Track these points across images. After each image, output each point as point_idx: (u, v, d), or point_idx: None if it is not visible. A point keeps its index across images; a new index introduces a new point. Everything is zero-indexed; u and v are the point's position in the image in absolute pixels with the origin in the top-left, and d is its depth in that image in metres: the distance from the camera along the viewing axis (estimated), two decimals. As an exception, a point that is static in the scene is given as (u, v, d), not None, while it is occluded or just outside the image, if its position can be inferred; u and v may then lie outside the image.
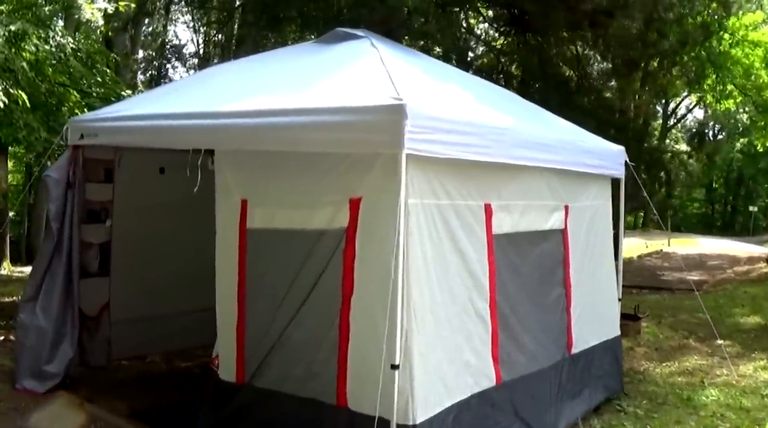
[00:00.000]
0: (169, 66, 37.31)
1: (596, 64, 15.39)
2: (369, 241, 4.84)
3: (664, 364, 9.54)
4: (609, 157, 7.69)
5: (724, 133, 46.30)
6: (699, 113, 34.38)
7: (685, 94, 24.92)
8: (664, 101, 21.90)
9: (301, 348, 5.18)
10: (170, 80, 33.03)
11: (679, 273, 20.41)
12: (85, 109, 10.16)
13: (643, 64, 14.65)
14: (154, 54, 35.53)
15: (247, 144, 5.24)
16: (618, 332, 8.03)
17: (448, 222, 5.14)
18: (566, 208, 6.81)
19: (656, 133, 25.75)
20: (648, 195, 9.37)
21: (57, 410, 6.35)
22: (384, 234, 4.68)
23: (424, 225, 4.86)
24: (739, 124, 36.86)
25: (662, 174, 17.25)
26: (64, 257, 6.68)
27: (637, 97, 15.94)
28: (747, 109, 33.19)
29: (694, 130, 26.34)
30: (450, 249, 5.16)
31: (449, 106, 5.58)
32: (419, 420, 4.68)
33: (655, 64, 14.85)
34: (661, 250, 26.87)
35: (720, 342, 10.74)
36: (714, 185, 57.07)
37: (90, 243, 7.44)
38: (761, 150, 32.09)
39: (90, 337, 7.42)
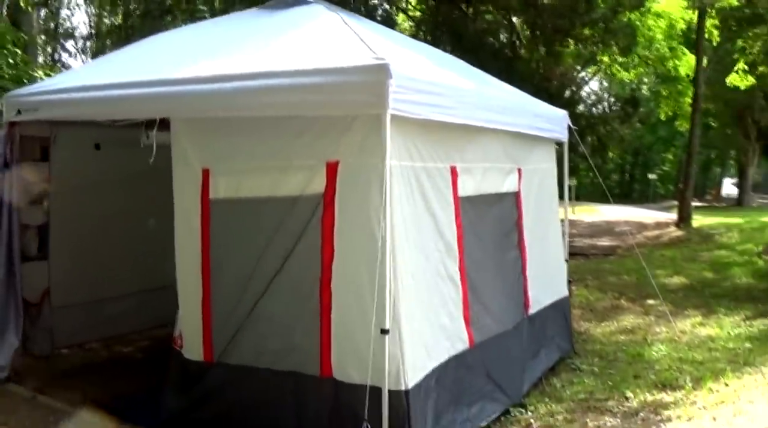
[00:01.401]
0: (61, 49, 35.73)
1: (529, 32, 15.52)
2: (349, 205, 4.71)
3: (603, 324, 9.78)
4: (555, 121, 7.78)
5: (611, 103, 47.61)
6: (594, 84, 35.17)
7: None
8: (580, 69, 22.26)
9: (276, 320, 5.00)
10: (63, 64, 31.63)
11: (589, 240, 20.98)
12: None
13: (574, 32, 14.83)
14: (44, 38, 33.96)
15: (212, 111, 4.97)
16: (566, 292, 8.17)
17: (422, 184, 5.06)
18: (519, 170, 6.86)
19: (590, 100, 26.25)
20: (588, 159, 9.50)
21: (9, 405, 5.97)
22: (365, 198, 4.58)
23: (402, 188, 4.77)
24: (636, 94, 37.94)
25: (596, 139, 17.58)
26: (3, 241, 6.29)
27: (568, 64, 16.20)
28: (646, 79, 34.40)
29: (626, 96, 27.01)
30: (423, 211, 5.09)
31: (418, 67, 5.48)
32: (411, 385, 4.60)
33: (586, 31, 15.04)
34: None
35: (651, 301, 11.13)
36: (611, 154, 58.69)
37: (28, 225, 7.02)
38: (663, 118, 33.15)
39: (32, 325, 6.98)
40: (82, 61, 31.22)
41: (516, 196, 6.82)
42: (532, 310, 6.93)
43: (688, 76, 26.26)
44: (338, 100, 4.49)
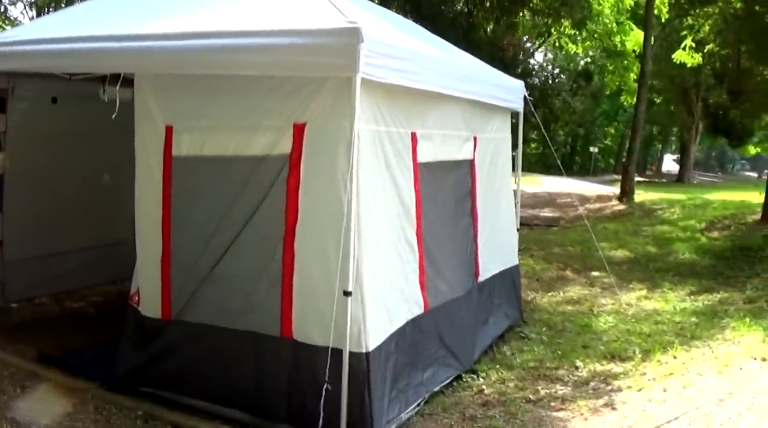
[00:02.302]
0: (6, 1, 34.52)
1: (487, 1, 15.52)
2: (315, 167, 4.72)
3: (549, 294, 9.99)
4: (513, 91, 7.87)
5: (563, 76, 48.13)
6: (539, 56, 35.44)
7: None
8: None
9: (237, 279, 5.01)
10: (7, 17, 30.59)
11: (532, 210, 21.29)
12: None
13: (530, 3, 14.92)
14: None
15: (181, 68, 4.89)
16: (516, 261, 8.32)
17: (385, 148, 5.10)
18: (475, 139, 6.94)
19: (544, 72, 26.40)
20: (543, 130, 9.61)
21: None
22: (332, 160, 4.61)
23: (369, 152, 4.82)
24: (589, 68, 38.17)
25: (547, 111, 17.74)
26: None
27: (522, 36, 16.26)
28: (591, 53, 34.77)
29: (579, 68, 27.20)
30: (386, 175, 5.14)
31: (385, 32, 5.49)
32: (371, 347, 4.68)
33: (541, 3, 15.12)
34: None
35: (596, 273, 11.39)
36: (553, 126, 59.23)
37: (-17, 176, 6.88)
38: (607, 93, 33.61)
39: (-18, 278, 6.89)
40: (28, 15, 30.23)
41: (471, 164, 6.90)
42: (482, 278, 7.06)
43: (634, 51, 26.68)
44: (309, 62, 4.47)
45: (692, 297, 9.89)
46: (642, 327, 8.08)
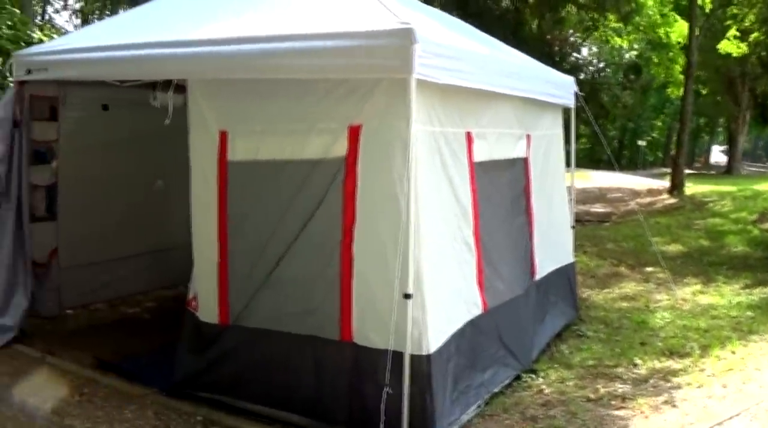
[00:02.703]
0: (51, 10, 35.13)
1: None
2: (371, 170, 4.68)
3: (604, 291, 9.82)
4: (563, 87, 7.78)
5: (609, 70, 47.60)
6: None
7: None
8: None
9: (295, 284, 4.99)
10: (53, 25, 31.17)
11: (583, 206, 21.04)
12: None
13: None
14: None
15: (234, 73, 4.91)
16: (572, 259, 8.23)
17: (440, 149, 5.06)
18: (528, 136, 6.86)
19: (591, 67, 26.17)
20: (595, 125, 9.47)
21: (19, 366, 5.96)
22: (389, 162, 4.57)
23: (425, 153, 4.76)
24: (624, 61, 37.64)
25: (598, 106, 17.53)
26: (13, 201, 6.25)
27: (569, 31, 16.10)
28: (636, 46, 34.30)
29: (625, 62, 26.82)
30: (442, 176, 5.09)
31: (437, 32, 5.44)
32: (432, 349, 4.63)
33: None
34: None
35: (650, 269, 11.21)
36: (601, 121, 58.56)
37: (36, 185, 6.95)
38: (654, 86, 33.13)
39: (40, 286, 6.95)
40: (73, 24, 30.77)
41: (525, 161, 6.82)
42: (538, 276, 6.97)
43: (678, 43, 26.27)
44: (363, 64, 4.44)
45: (747, 290, 9.69)
46: (699, 323, 7.91)
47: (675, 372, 6.32)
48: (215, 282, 5.34)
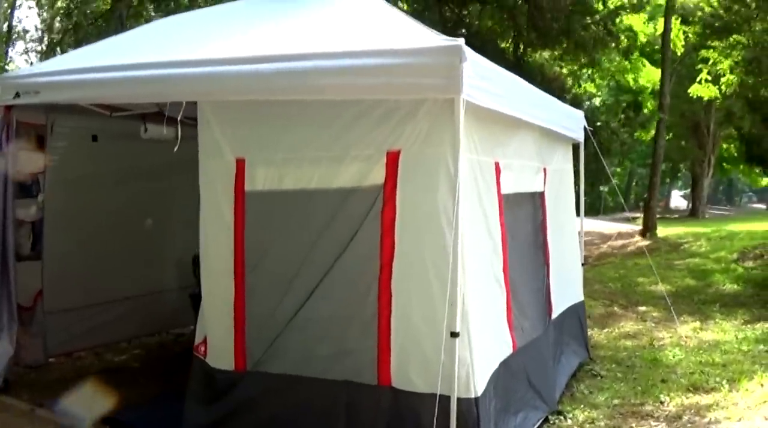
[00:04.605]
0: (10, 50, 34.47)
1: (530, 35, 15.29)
2: (412, 199, 4.33)
3: (605, 330, 9.60)
4: (574, 120, 7.56)
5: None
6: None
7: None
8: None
9: (325, 324, 4.57)
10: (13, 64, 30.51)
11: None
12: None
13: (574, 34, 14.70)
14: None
15: (255, 93, 4.50)
16: (582, 297, 7.92)
17: (477, 178, 4.74)
18: (545, 170, 6.60)
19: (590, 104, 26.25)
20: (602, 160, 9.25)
21: (7, 419, 5.43)
22: (432, 191, 4.25)
23: (466, 181, 4.40)
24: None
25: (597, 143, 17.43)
26: (-3, 238, 5.74)
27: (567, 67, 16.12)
28: (601, 91, 34.68)
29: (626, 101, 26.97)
30: (478, 208, 4.76)
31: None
32: (480, 391, 4.26)
33: (583, 33, 14.88)
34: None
35: (643, 308, 11.04)
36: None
37: (22, 221, 6.46)
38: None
39: (25, 331, 6.39)
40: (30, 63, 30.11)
41: (542, 196, 6.54)
42: (554, 314, 6.65)
43: (646, 87, 26.61)
44: (405, 84, 4.10)
45: (748, 326, 9.58)
46: (713, 358, 7.69)
47: (707, 407, 6.04)
48: (230, 323, 4.88)
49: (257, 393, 4.80)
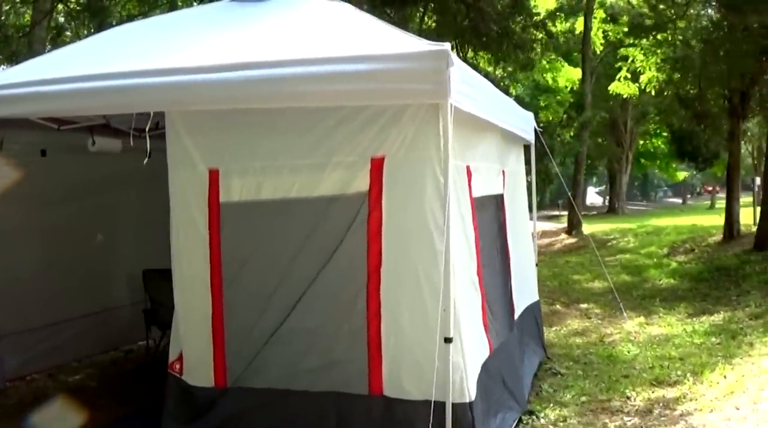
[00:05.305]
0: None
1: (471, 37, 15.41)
2: (399, 205, 4.32)
3: (553, 329, 9.68)
4: (526, 121, 7.63)
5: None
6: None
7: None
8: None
9: (312, 335, 4.51)
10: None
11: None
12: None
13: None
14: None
15: (232, 102, 4.31)
16: (537, 297, 8.02)
17: (456, 182, 4.71)
18: (503, 172, 6.64)
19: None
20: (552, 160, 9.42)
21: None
22: (419, 196, 4.25)
23: (452, 186, 4.40)
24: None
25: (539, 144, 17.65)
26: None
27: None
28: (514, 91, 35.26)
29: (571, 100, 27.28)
30: (457, 212, 4.74)
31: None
32: (473, 395, 4.27)
33: (523, 35, 15.07)
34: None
35: (584, 305, 11.25)
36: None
37: (-28, 240, 6.15)
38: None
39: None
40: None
41: (501, 198, 6.59)
42: (517, 315, 6.71)
43: (566, 86, 27.17)
44: (393, 89, 4.03)
45: (693, 319, 9.81)
46: (669, 352, 7.87)
47: (675, 401, 6.17)
48: (208, 338, 4.78)
49: (240, 410, 4.69)
